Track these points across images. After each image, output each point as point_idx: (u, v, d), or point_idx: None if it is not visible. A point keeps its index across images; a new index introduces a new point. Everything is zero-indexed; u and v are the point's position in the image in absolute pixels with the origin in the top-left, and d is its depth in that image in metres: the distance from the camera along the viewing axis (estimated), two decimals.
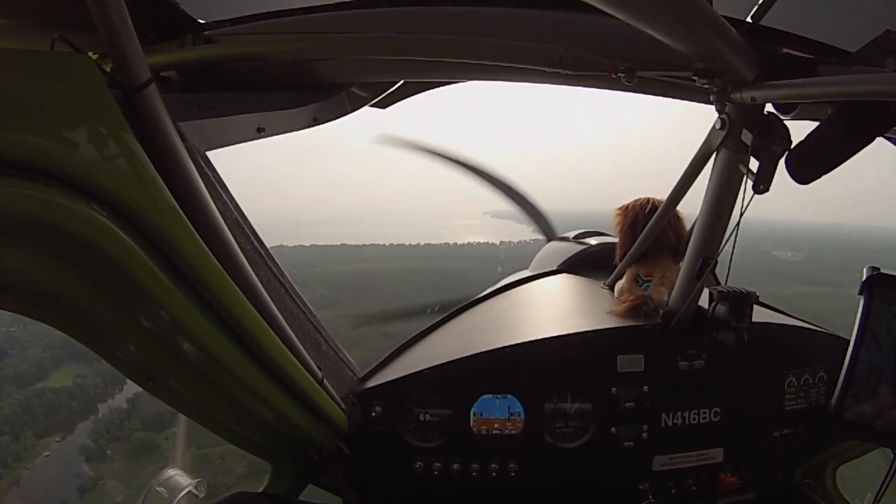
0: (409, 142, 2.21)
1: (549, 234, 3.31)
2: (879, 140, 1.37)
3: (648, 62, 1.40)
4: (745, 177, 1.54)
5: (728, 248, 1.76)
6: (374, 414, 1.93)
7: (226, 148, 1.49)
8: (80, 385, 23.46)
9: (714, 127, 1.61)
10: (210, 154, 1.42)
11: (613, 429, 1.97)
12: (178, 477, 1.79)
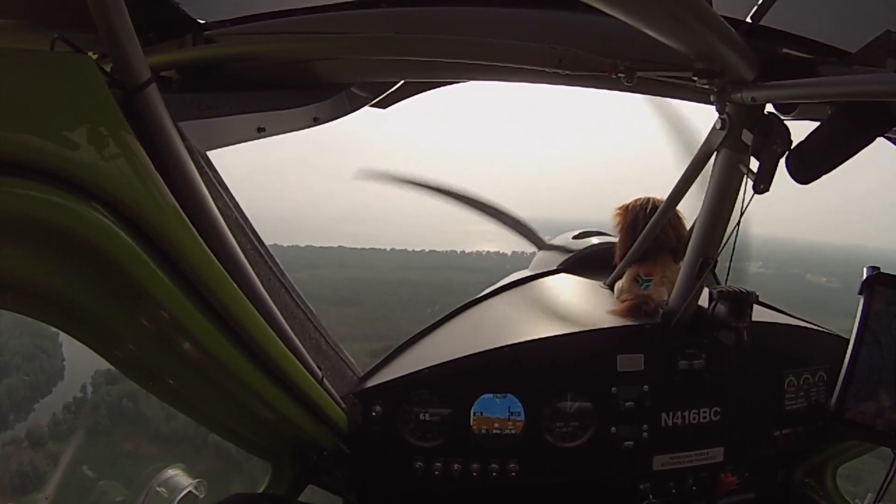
0: (390, 175, 2.30)
1: (538, 243, 3.30)
2: (879, 140, 1.37)
3: (648, 62, 1.41)
4: (745, 177, 1.54)
5: (728, 248, 1.76)
6: (374, 414, 1.93)
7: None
8: None
9: (714, 127, 1.61)
10: (210, 154, 1.42)
11: (613, 428, 1.96)
12: (179, 477, 1.79)
